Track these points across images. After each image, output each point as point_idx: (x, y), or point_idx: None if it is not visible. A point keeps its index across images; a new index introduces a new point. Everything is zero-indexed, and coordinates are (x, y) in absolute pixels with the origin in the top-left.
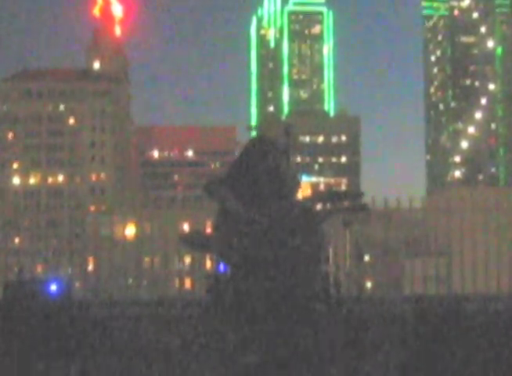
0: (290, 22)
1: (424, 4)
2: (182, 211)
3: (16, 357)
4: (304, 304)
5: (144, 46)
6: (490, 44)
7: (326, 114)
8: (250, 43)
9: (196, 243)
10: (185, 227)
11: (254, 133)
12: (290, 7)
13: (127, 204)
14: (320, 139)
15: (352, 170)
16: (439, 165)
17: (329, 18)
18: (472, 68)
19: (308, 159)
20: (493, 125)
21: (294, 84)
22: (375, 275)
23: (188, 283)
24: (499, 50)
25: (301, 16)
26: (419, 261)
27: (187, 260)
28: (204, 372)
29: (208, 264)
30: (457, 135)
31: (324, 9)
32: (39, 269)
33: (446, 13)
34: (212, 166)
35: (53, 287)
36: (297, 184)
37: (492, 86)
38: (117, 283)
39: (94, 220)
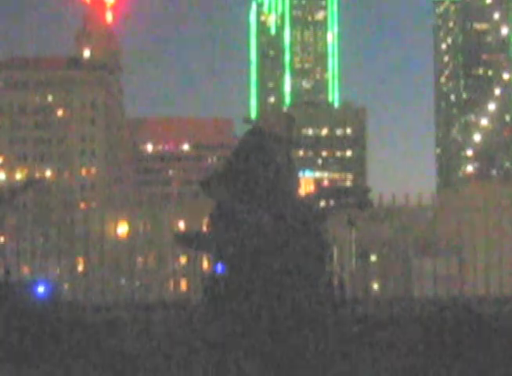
0: (292, 7)
1: None
2: (178, 209)
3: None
4: (307, 306)
5: (137, 33)
6: (504, 31)
7: (330, 106)
8: (249, 30)
9: (192, 242)
10: (181, 225)
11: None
12: None
13: (119, 200)
14: (324, 131)
15: (358, 164)
16: (450, 159)
17: (333, 3)
18: (485, 56)
19: (310, 153)
20: (508, 117)
21: (296, 74)
22: (382, 275)
23: (183, 284)
24: None
25: (303, 1)
26: (429, 260)
27: (183, 260)
28: None
29: (205, 264)
30: (469, 127)
31: None
32: (25, 269)
33: None
34: (209, 160)
35: (41, 289)
36: (297, 179)
37: (506, 76)
38: (109, 284)
39: (84, 218)
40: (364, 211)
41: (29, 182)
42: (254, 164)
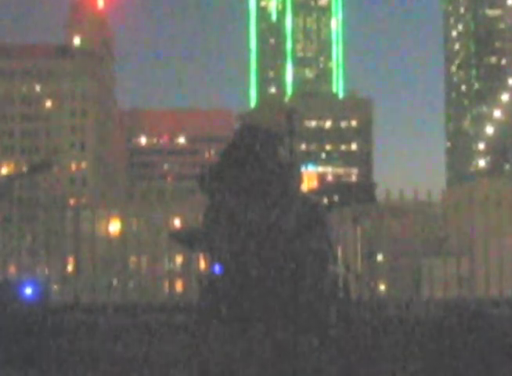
0: None
1: None
2: (173, 205)
3: None
4: (310, 309)
5: (130, 20)
6: None
7: (334, 96)
8: (249, 16)
9: (188, 240)
10: (176, 223)
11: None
12: None
13: (111, 196)
14: (328, 123)
15: (364, 159)
16: (461, 154)
17: None
18: (498, 44)
19: (314, 146)
20: None
21: (299, 63)
22: (389, 276)
23: (179, 285)
24: None
25: None
26: (438, 260)
27: (178, 260)
28: None
29: (202, 264)
30: (481, 119)
31: None
32: (12, 270)
33: None
34: (206, 154)
35: (28, 291)
36: (299, 175)
37: None
38: (100, 285)
39: (74, 215)
40: (370, 208)
41: (38, 166)
42: (248, 160)
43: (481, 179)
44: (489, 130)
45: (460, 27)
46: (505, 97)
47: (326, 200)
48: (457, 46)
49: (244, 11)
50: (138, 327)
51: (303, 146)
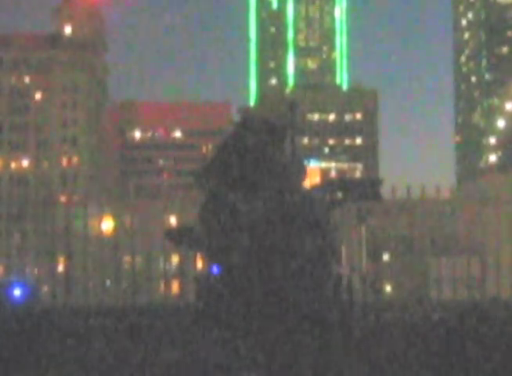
0: None
1: None
2: (169, 202)
3: None
4: (313, 312)
5: (124, 8)
6: None
7: (337, 88)
8: (248, 4)
9: (184, 239)
10: (172, 221)
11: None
12: None
13: (103, 193)
14: (331, 117)
15: (369, 154)
16: (471, 148)
17: None
18: (510, 34)
19: (316, 141)
20: None
21: (301, 53)
22: (395, 277)
23: (175, 286)
24: None
25: None
26: (447, 260)
27: (174, 260)
28: None
29: (199, 264)
30: (492, 112)
31: None
32: (0, 270)
33: None
34: (204, 149)
35: (17, 292)
36: (302, 171)
37: None
38: (92, 286)
39: (65, 213)
40: (375, 206)
41: None
42: (248, 154)
43: (492, 175)
44: (500, 123)
45: (470, 15)
46: None
47: (329, 197)
48: (467, 35)
49: None
50: (132, 329)
51: (305, 141)
